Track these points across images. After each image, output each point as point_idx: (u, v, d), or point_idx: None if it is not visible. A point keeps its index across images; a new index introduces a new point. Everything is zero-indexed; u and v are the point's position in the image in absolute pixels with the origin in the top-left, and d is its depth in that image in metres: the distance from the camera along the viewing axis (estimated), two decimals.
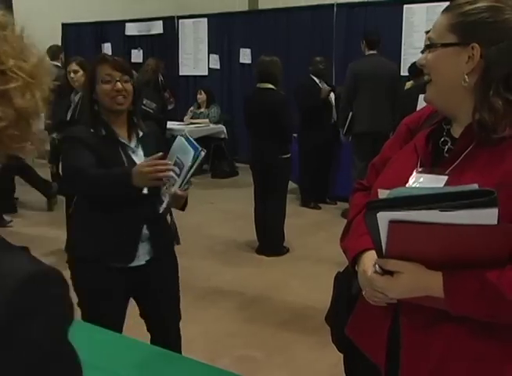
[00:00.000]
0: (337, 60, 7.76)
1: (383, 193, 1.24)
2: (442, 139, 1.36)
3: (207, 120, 8.20)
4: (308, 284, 4.22)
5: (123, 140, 2.34)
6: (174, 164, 2.21)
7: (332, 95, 6.44)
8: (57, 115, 4.86)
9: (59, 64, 6.90)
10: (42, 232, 5.76)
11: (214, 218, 6.15)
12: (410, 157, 1.38)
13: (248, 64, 8.73)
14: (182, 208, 2.35)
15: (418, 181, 1.30)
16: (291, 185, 5.50)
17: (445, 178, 1.26)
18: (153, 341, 2.47)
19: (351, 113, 5.85)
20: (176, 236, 2.62)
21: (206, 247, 5.29)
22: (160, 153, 2.14)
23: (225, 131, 8.30)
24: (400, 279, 1.20)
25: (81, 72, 4.68)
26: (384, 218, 1.13)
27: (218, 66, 9.24)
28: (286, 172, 5.07)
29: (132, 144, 2.36)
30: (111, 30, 10.32)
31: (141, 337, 2.17)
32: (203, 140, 8.06)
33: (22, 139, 0.71)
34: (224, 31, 9.09)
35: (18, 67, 0.69)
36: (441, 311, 1.22)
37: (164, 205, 2.23)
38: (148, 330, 2.55)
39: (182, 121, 8.32)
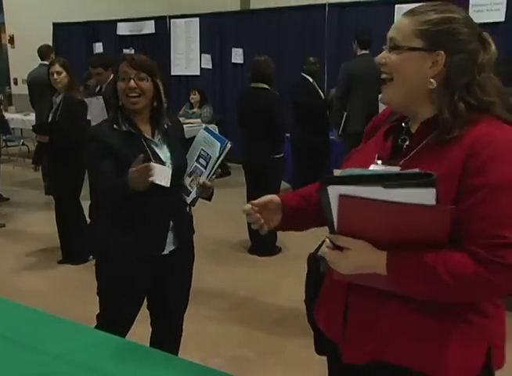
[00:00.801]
0: (329, 60, 7.77)
1: (336, 172, 1.35)
2: (402, 137, 1.44)
3: (199, 120, 8.18)
4: (301, 284, 4.23)
5: (147, 135, 2.37)
6: (199, 157, 2.35)
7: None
8: (43, 116, 4.84)
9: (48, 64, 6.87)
10: (35, 230, 5.75)
11: (206, 218, 6.13)
12: (369, 153, 1.47)
13: (240, 64, 8.72)
14: (209, 198, 2.47)
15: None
16: (284, 185, 5.51)
17: (397, 168, 1.36)
18: (156, 334, 2.60)
19: (345, 114, 5.85)
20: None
21: (198, 246, 5.23)
22: (141, 155, 2.17)
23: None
24: (348, 255, 1.30)
25: (64, 73, 4.61)
26: (334, 192, 1.24)
27: (210, 66, 9.23)
28: (278, 172, 5.07)
29: (156, 139, 2.39)
30: (103, 29, 10.27)
31: (134, 338, 2.17)
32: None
33: None
34: (216, 31, 9.08)
35: None
36: (386, 292, 1.32)
37: (193, 195, 2.36)
38: (152, 321, 2.61)
39: None
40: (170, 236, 2.40)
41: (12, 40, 11.96)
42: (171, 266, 2.45)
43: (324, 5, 7.86)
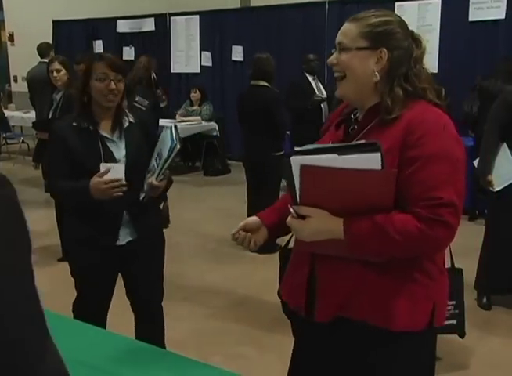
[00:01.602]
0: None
1: (297, 148, 1.46)
2: (352, 126, 1.67)
3: (198, 117, 8.19)
4: None
5: (104, 133, 2.47)
6: (157, 155, 2.42)
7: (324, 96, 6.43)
8: (43, 113, 4.85)
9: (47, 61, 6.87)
10: (35, 228, 5.73)
11: (206, 216, 6.14)
12: (325, 142, 1.67)
13: (240, 62, 8.72)
14: (164, 197, 2.63)
15: None
16: (284, 182, 5.51)
17: None
18: (137, 321, 2.73)
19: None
20: (167, 219, 2.84)
21: (198, 244, 5.28)
22: (109, 167, 2.33)
23: (217, 128, 8.29)
24: (310, 222, 1.50)
25: (63, 71, 4.61)
26: (296, 162, 1.41)
27: (210, 64, 9.22)
28: (278, 170, 5.06)
29: (114, 136, 2.49)
30: (102, 27, 10.27)
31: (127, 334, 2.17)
32: (195, 137, 8.09)
33: None
34: (216, 29, 9.07)
35: None
36: (348, 258, 1.53)
37: (143, 194, 2.44)
38: (132, 309, 2.73)
39: (174, 118, 8.31)
40: (125, 229, 2.51)
41: (11, 37, 11.95)
42: (133, 256, 2.55)
43: (324, 2, 7.85)
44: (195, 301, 4.07)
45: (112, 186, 2.28)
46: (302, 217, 1.51)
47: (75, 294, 2.67)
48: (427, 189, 1.44)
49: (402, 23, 1.63)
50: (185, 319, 3.69)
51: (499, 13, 6.59)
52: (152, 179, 2.38)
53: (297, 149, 1.46)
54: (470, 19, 6.71)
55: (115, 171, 2.33)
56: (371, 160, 1.39)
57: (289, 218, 1.55)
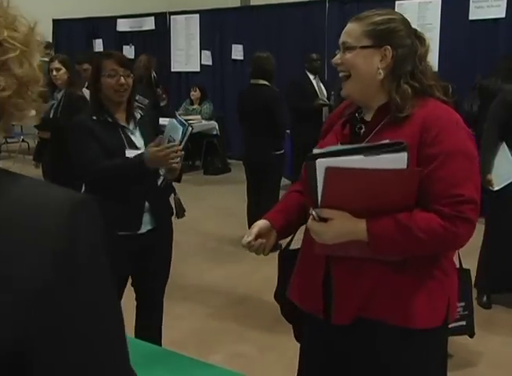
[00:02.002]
0: (330, 57, 7.67)
1: (316, 150, 1.47)
2: (358, 125, 1.65)
3: (198, 116, 8.18)
4: None
5: (122, 123, 2.62)
6: (168, 142, 2.52)
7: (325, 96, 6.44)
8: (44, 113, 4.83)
9: (47, 60, 6.86)
10: None
11: (206, 215, 6.14)
12: (331, 143, 1.66)
13: (240, 60, 8.72)
14: (178, 180, 2.70)
15: None
16: (284, 181, 5.51)
17: None
18: (138, 309, 2.81)
19: None
20: (181, 209, 2.93)
21: (198, 243, 5.28)
22: (160, 136, 2.50)
23: (217, 127, 8.28)
24: (332, 224, 1.48)
25: (63, 70, 4.60)
26: (321, 165, 1.39)
27: (210, 63, 9.22)
28: (279, 168, 5.07)
29: (131, 127, 2.65)
30: (102, 26, 10.26)
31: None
32: (195, 136, 8.08)
33: (24, 106, 0.74)
34: (216, 27, 9.07)
35: (12, 37, 0.70)
36: (365, 259, 1.52)
37: (161, 178, 2.60)
38: (136, 296, 2.81)
39: (174, 117, 8.29)
40: (146, 216, 2.61)
41: None
42: (150, 245, 2.65)
43: (325, 1, 7.85)
44: (195, 300, 4.07)
45: (169, 152, 2.38)
46: (323, 219, 1.49)
47: None
48: (449, 187, 1.46)
49: (405, 21, 1.63)
50: (186, 318, 3.69)
51: (500, 12, 6.59)
52: (172, 161, 2.48)
53: (317, 151, 1.45)
54: (471, 17, 6.72)
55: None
56: (397, 160, 1.40)
57: (310, 222, 1.53)
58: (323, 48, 7.72)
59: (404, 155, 1.39)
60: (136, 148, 2.57)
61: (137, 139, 2.63)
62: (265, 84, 4.87)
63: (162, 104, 7.56)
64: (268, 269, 4.73)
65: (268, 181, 5.00)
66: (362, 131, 1.63)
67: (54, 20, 10.57)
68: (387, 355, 1.59)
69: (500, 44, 6.56)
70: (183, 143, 2.48)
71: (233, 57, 8.86)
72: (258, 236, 1.73)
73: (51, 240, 0.64)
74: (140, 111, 2.72)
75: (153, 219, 2.64)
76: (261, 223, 1.75)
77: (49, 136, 4.62)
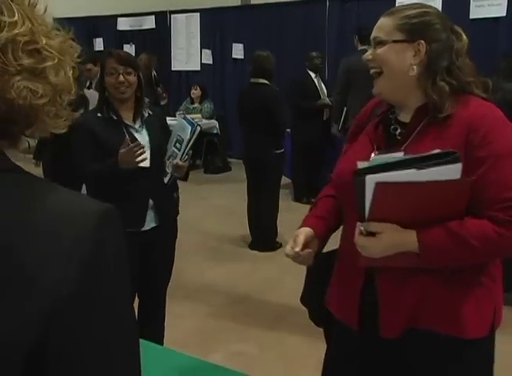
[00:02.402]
0: (330, 55, 7.75)
1: (361, 164, 1.40)
2: (392, 126, 1.58)
3: (199, 115, 8.18)
4: (301, 279, 4.25)
5: (127, 121, 2.65)
6: (176, 142, 2.63)
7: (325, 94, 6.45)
8: None
9: None
10: None
11: (206, 214, 6.15)
12: (365, 145, 1.60)
13: (241, 59, 8.71)
14: (185, 178, 2.74)
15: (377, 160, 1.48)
16: (284, 180, 5.51)
17: (401, 154, 1.45)
18: (139, 307, 2.77)
19: (345, 109, 5.85)
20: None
21: (198, 242, 5.28)
22: (127, 137, 2.52)
23: (217, 126, 8.28)
24: (381, 238, 1.40)
25: None
26: (371, 180, 1.32)
27: (211, 62, 9.22)
28: (279, 167, 5.07)
29: (137, 125, 2.67)
30: (103, 25, 10.26)
31: None
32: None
33: (57, 115, 0.75)
34: (216, 26, 9.06)
35: (49, 45, 0.71)
36: (410, 268, 1.45)
37: (169, 176, 2.65)
38: (138, 295, 2.79)
39: (174, 116, 8.31)
40: (150, 213, 2.65)
41: None
42: (153, 243, 2.68)
43: (325, 0, 7.84)
44: (195, 299, 4.07)
45: (132, 152, 2.42)
46: (371, 233, 1.41)
47: None
48: (501, 191, 1.39)
49: (441, 15, 1.56)
50: (186, 317, 3.70)
51: (500, 11, 6.57)
52: (177, 160, 2.59)
53: (362, 166, 1.37)
54: (471, 16, 6.70)
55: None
56: (451, 171, 1.32)
57: (357, 237, 1.43)
58: (324, 47, 7.72)
59: (458, 166, 1.31)
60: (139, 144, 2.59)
61: (142, 137, 2.64)
62: (264, 84, 4.87)
63: (162, 103, 7.56)
64: (268, 268, 4.76)
65: (268, 180, 5.00)
66: (398, 131, 1.56)
67: (54, 19, 10.51)
68: (441, 367, 1.53)
69: (501, 43, 6.54)
70: (191, 142, 2.55)
71: (234, 56, 8.85)
72: (304, 244, 1.61)
73: (79, 250, 0.65)
74: (149, 110, 2.75)
75: (157, 217, 2.67)
76: (306, 231, 1.63)
77: (49, 135, 4.63)
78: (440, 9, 6.94)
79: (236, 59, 8.85)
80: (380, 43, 1.53)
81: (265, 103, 4.76)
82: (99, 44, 10.18)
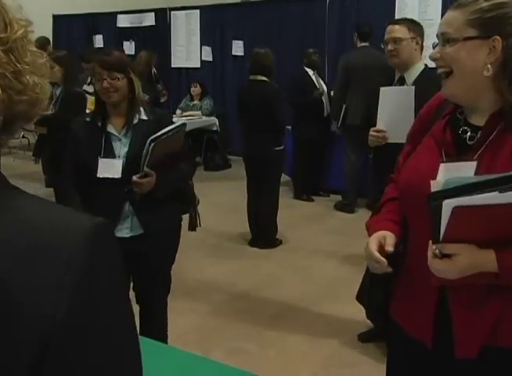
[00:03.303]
0: (330, 52, 7.75)
1: (436, 184, 1.33)
2: (462, 129, 1.44)
3: (199, 112, 8.17)
4: (301, 276, 4.22)
5: (111, 130, 2.53)
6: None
7: (325, 91, 6.43)
8: None
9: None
10: None
11: (206, 211, 6.13)
12: (432, 149, 1.47)
13: (241, 56, 8.70)
14: (146, 197, 2.46)
15: (448, 170, 1.39)
16: (284, 177, 5.50)
17: (474, 163, 1.36)
18: (139, 315, 2.69)
19: (344, 106, 5.84)
20: (192, 223, 3.07)
21: (198, 239, 5.27)
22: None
23: (217, 123, 8.28)
24: (458, 260, 1.30)
25: (56, 67, 4.61)
26: (448, 205, 1.24)
27: (211, 59, 9.21)
28: (279, 164, 5.07)
29: (121, 133, 2.52)
30: (103, 22, 10.24)
31: None
32: (196, 132, 8.07)
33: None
34: (216, 23, 9.05)
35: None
36: (486, 285, 1.35)
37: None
38: (136, 300, 2.70)
39: (174, 113, 8.30)
40: (130, 221, 2.53)
41: None
42: (137, 252, 2.49)
43: None
44: (195, 296, 4.07)
45: None
46: (446, 255, 1.32)
47: None
48: None
49: None
50: (186, 314, 3.70)
51: None
52: (135, 177, 2.39)
53: (436, 189, 1.30)
54: None
55: (111, 167, 2.44)
56: None
57: (431, 260, 1.33)
58: (324, 44, 7.72)
59: None
60: (114, 157, 2.48)
61: (121, 147, 2.51)
62: (263, 80, 4.86)
63: (162, 100, 7.55)
64: (268, 265, 4.76)
65: (268, 177, 5.00)
66: (468, 135, 1.43)
67: (54, 16, 10.55)
68: None
69: None
70: (147, 159, 2.37)
71: (234, 53, 8.84)
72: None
73: (71, 272, 0.64)
74: (144, 115, 2.55)
75: (141, 225, 2.54)
76: (392, 236, 1.52)
77: (47, 131, 4.63)
78: (440, 5, 6.93)
79: (236, 56, 8.84)
80: (450, 40, 1.37)
81: (264, 99, 4.75)
82: (98, 41, 10.17)
